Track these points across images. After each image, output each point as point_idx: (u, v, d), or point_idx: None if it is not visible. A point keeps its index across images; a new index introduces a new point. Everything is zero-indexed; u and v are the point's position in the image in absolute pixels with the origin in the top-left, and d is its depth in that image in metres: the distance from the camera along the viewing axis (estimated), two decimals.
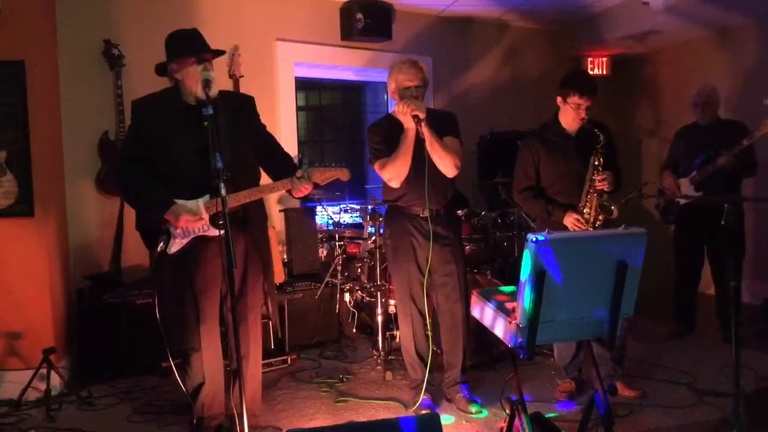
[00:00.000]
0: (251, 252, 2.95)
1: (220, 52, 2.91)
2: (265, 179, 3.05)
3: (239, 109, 2.97)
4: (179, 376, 2.98)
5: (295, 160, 3.36)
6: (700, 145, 4.35)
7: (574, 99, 3.35)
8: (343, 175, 2.90)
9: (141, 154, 2.84)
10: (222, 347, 3.05)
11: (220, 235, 2.69)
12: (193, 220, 2.74)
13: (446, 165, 3.26)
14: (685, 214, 4.47)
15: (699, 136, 4.44)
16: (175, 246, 2.79)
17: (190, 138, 2.71)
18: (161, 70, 2.85)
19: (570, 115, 3.41)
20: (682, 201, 4.41)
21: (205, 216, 2.76)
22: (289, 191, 2.90)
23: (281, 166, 2.98)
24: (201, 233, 2.80)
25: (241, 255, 2.87)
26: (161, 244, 2.75)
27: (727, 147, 4.10)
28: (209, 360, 2.94)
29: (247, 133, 2.93)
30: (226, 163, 2.46)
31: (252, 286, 2.99)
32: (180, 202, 2.74)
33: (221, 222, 2.59)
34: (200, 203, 2.75)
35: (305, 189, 2.80)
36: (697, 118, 4.50)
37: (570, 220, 3.33)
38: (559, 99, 3.46)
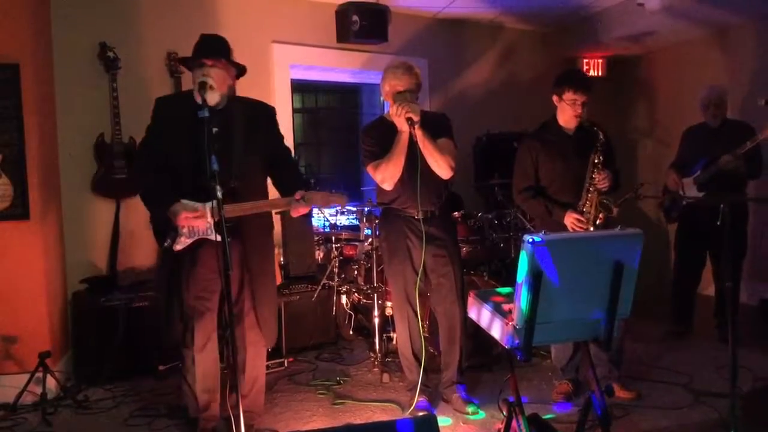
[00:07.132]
0: (250, 259, 2.96)
1: (226, 59, 2.88)
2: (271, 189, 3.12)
3: (256, 118, 2.98)
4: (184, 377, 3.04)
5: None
6: (707, 145, 4.31)
7: (569, 95, 3.36)
8: (341, 202, 3.00)
9: (157, 152, 2.90)
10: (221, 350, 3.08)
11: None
12: (192, 217, 2.76)
13: (441, 166, 3.25)
14: (688, 214, 4.44)
15: (706, 136, 4.41)
16: (180, 244, 2.82)
17: (196, 141, 2.68)
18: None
19: (567, 113, 3.41)
20: (685, 200, 4.39)
21: (210, 219, 2.76)
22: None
23: (288, 182, 3.01)
24: (205, 236, 2.82)
25: (237, 261, 2.89)
26: (168, 240, 2.80)
27: (731, 149, 4.06)
28: (202, 360, 2.96)
29: (260, 144, 2.94)
30: (235, 173, 2.51)
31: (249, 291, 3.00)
32: (185, 201, 2.78)
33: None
34: (207, 207, 2.75)
35: (302, 210, 2.86)
36: (707, 120, 4.44)
37: (570, 219, 3.33)
38: (555, 98, 3.47)
